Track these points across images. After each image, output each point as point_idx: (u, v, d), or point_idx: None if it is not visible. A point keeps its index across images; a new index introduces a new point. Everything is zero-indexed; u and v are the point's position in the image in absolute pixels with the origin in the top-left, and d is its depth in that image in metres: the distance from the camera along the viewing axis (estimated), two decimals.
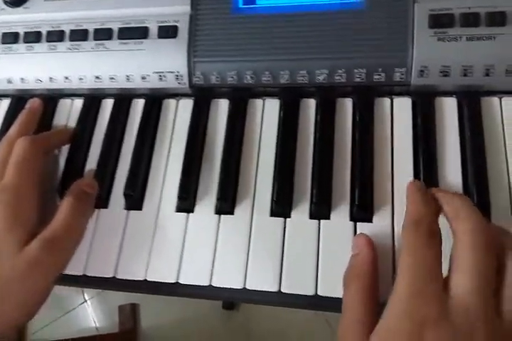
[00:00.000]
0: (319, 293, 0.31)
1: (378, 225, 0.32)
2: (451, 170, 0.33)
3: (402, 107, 0.35)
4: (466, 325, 0.23)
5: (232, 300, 0.34)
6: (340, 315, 0.27)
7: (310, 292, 0.31)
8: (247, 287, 0.32)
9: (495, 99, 0.34)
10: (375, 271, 0.29)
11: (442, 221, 0.28)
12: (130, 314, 1.29)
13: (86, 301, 1.37)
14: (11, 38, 0.41)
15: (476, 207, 0.27)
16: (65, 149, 0.39)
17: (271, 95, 0.38)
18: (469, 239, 0.26)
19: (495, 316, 0.24)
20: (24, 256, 0.30)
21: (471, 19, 0.33)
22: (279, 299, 0.32)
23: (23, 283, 0.30)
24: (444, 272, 0.26)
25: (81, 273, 0.34)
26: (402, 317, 0.24)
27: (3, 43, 0.41)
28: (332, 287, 0.30)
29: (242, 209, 0.34)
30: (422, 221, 0.27)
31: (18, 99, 0.43)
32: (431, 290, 0.25)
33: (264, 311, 1.23)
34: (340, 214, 0.33)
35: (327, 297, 0.30)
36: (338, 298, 0.29)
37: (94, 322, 1.34)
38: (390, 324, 0.25)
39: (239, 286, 0.32)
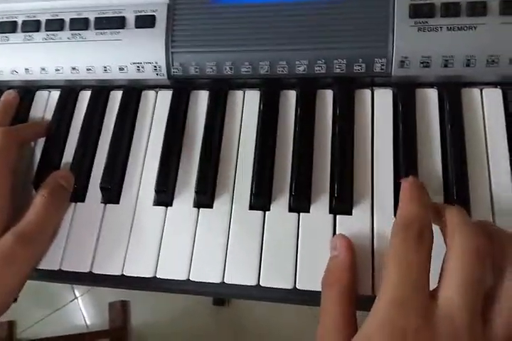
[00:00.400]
0: (298, 286, 0.30)
1: (358, 218, 0.31)
2: (432, 161, 0.32)
3: (383, 99, 0.35)
4: (450, 338, 0.22)
5: (210, 295, 0.34)
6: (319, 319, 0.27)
7: (289, 285, 0.30)
8: (226, 281, 0.31)
9: (476, 90, 0.34)
10: (354, 275, 0.28)
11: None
12: (120, 311, 1.30)
13: (76, 298, 1.37)
14: None
15: (469, 218, 0.26)
16: (40, 142, 0.39)
17: (251, 86, 0.37)
18: (462, 251, 0.24)
19: (481, 331, 0.23)
20: None
21: (451, 9, 0.32)
22: (258, 293, 0.31)
23: None
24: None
25: (57, 268, 0.33)
26: (383, 327, 0.23)
27: None
28: (311, 280, 0.30)
29: (221, 203, 0.34)
30: (413, 223, 0.25)
31: None
32: (415, 300, 0.23)
33: (255, 307, 1.24)
34: (320, 207, 0.32)
35: (306, 290, 0.30)
36: (317, 291, 0.29)
37: (85, 319, 1.35)
38: (370, 333, 0.23)
39: (217, 280, 0.31)
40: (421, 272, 0.24)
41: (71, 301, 1.36)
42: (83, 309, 1.35)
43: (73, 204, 0.35)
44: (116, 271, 0.33)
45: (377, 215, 0.31)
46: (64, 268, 0.33)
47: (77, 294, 1.36)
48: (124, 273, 0.32)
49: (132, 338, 1.28)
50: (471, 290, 0.23)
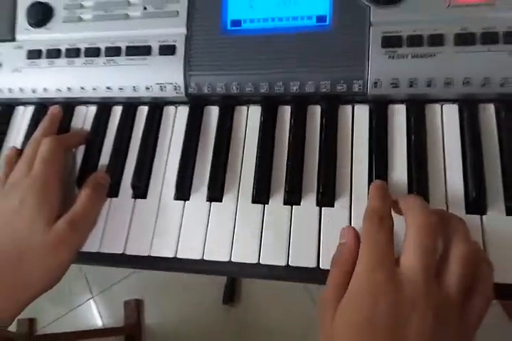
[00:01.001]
0: (290, 263, 0.38)
1: (339, 209, 0.39)
2: (398, 165, 0.39)
3: (361, 113, 0.42)
4: (413, 294, 0.29)
5: (220, 273, 0.41)
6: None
7: (283, 263, 0.38)
8: (233, 260, 0.39)
9: (437, 106, 0.41)
10: (356, 259, 0.33)
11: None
12: (135, 309, 1.34)
13: (93, 297, 1.41)
14: (35, 54, 0.48)
15: (425, 203, 0.33)
16: (81, 149, 0.47)
17: (254, 103, 0.45)
18: (417, 227, 0.31)
19: (436, 287, 0.30)
20: (52, 233, 0.38)
21: (415, 40, 0.39)
22: (256, 269, 0.38)
23: (52, 255, 0.38)
24: None
25: (96, 250, 0.41)
26: (360, 289, 0.30)
27: (28, 58, 0.48)
28: (301, 259, 0.37)
29: (229, 197, 0.41)
30: (375, 212, 0.33)
31: (41, 106, 0.50)
32: (384, 265, 0.30)
33: (264, 306, 1.27)
34: (309, 201, 0.40)
35: (297, 266, 0.37)
36: (305, 267, 0.37)
37: (101, 317, 1.39)
38: (351, 296, 0.31)
39: (226, 259, 0.39)
40: (385, 245, 0.31)
41: (88, 300, 1.41)
42: (99, 307, 1.40)
43: (109, 199, 0.43)
44: (144, 252, 0.40)
45: (354, 207, 0.38)
46: (102, 251, 0.41)
47: (94, 293, 1.41)
48: (151, 254, 0.40)
49: (145, 335, 1.33)
50: (426, 256, 0.30)
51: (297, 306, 1.24)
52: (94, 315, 1.40)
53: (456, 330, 0.30)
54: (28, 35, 0.49)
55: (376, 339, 0.28)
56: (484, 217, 0.37)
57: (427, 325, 0.28)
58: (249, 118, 0.44)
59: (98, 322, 1.39)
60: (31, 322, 1.41)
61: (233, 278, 1.30)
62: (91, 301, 1.41)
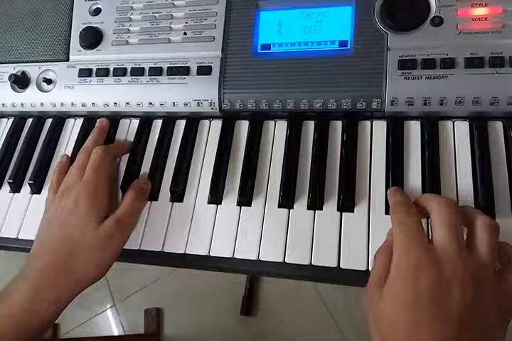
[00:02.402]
0: (313, 263, 0.41)
1: (358, 214, 0.43)
2: (413, 176, 0.43)
3: (379, 128, 0.46)
4: (450, 265, 0.32)
5: (247, 272, 0.45)
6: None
7: (306, 262, 0.41)
8: (260, 258, 0.43)
9: (449, 123, 0.45)
10: None
11: None
12: (155, 317, 1.37)
13: (114, 305, 1.45)
14: (86, 72, 0.54)
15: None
16: (125, 157, 0.52)
17: (281, 118, 0.49)
18: (440, 208, 0.35)
19: (469, 256, 0.33)
20: (102, 230, 0.42)
21: (429, 63, 0.44)
22: (283, 268, 0.42)
23: (100, 250, 0.42)
24: None
25: (137, 248, 0.46)
26: (401, 268, 0.33)
27: (79, 76, 0.54)
28: (323, 259, 0.41)
29: (257, 203, 0.45)
30: (399, 203, 0.38)
31: (89, 119, 0.56)
32: (418, 244, 0.34)
33: (281, 318, 1.28)
34: (331, 206, 0.44)
35: (318, 266, 0.41)
36: (326, 266, 0.40)
37: (121, 324, 1.42)
38: (394, 277, 0.34)
39: (254, 258, 0.43)
40: (416, 227, 0.35)
41: (109, 307, 1.45)
42: (120, 315, 1.43)
43: (149, 202, 0.48)
44: (180, 250, 0.45)
45: (372, 212, 0.42)
46: (142, 248, 0.46)
47: (115, 301, 1.45)
48: (186, 252, 0.44)
49: None
50: (454, 230, 0.34)
51: (314, 317, 1.25)
52: (115, 322, 1.43)
53: (494, 295, 0.32)
54: (80, 56, 0.55)
55: (422, 312, 0.31)
56: None
57: (468, 292, 0.31)
58: (277, 132, 0.49)
59: (119, 329, 1.42)
60: (55, 327, 1.44)
61: (251, 289, 1.33)
62: (112, 309, 1.44)
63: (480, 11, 0.44)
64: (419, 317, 0.31)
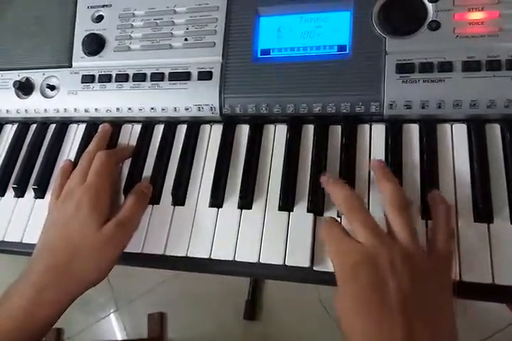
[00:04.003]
0: (314, 265, 0.42)
1: None
2: (412, 178, 0.44)
3: (378, 132, 0.47)
4: (379, 257, 0.34)
5: (250, 275, 0.45)
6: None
7: (307, 264, 0.42)
8: (261, 261, 0.43)
9: (447, 125, 0.45)
10: None
11: None
12: (158, 321, 1.37)
13: (117, 309, 1.45)
14: (89, 78, 0.54)
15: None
16: (127, 162, 0.52)
17: (280, 122, 0.50)
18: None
19: (391, 240, 0.35)
20: (103, 233, 0.43)
21: (426, 67, 0.44)
22: (283, 271, 0.43)
23: (101, 252, 0.43)
24: None
25: (139, 251, 0.46)
26: (340, 273, 0.36)
27: (82, 82, 0.55)
28: (324, 261, 0.42)
29: (257, 206, 0.46)
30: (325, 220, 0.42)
31: (92, 124, 0.56)
32: (345, 247, 0.36)
33: (284, 321, 1.28)
34: (330, 209, 0.44)
35: (318, 270, 0.42)
36: (326, 271, 0.41)
37: (125, 329, 1.42)
38: (338, 281, 0.36)
39: (255, 260, 0.43)
40: (339, 234, 0.38)
41: (113, 312, 1.45)
42: (123, 320, 1.43)
43: (151, 206, 0.49)
44: (182, 253, 0.45)
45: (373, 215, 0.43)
46: (144, 251, 0.46)
47: (119, 305, 1.45)
48: (188, 255, 0.45)
49: None
50: (369, 226, 0.36)
51: (317, 321, 1.25)
52: (119, 327, 1.43)
53: (430, 273, 0.34)
54: (83, 63, 0.56)
55: (368, 311, 0.33)
56: (491, 225, 0.40)
57: (403, 278, 0.33)
58: (277, 136, 0.49)
59: (122, 334, 1.42)
60: (58, 331, 1.45)
61: (254, 293, 1.33)
62: (116, 313, 1.45)
63: (476, 15, 0.44)
64: (367, 314, 0.33)
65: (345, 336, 0.34)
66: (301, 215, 0.44)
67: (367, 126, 0.47)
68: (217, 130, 0.51)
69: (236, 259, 0.44)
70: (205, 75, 0.50)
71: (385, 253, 0.34)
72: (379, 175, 0.41)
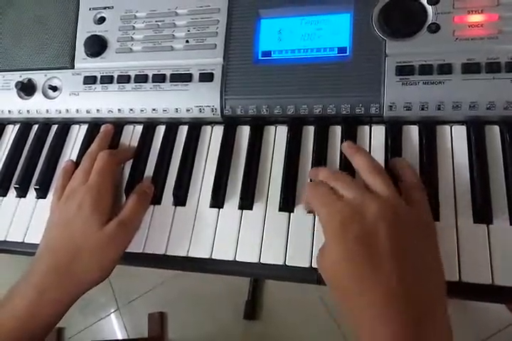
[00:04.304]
0: (314, 266, 0.42)
1: None
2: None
3: (378, 133, 0.47)
4: (365, 210, 0.35)
5: (251, 275, 0.45)
6: None
7: (307, 264, 0.42)
8: (262, 261, 0.43)
9: (447, 127, 0.46)
10: None
11: None
12: (158, 321, 1.38)
13: (118, 309, 1.46)
14: (91, 80, 0.55)
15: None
16: (128, 162, 0.53)
17: (281, 123, 0.50)
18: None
19: (372, 195, 0.37)
20: (105, 232, 0.43)
21: (426, 69, 0.44)
22: (284, 271, 0.43)
23: (103, 252, 0.43)
24: None
25: (141, 251, 0.46)
26: (328, 227, 0.37)
27: (84, 84, 0.55)
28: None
29: (258, 206, 0.46)
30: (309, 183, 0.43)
31: (94, 125, 0.57)
32: (331, 201, 0.38)
33: (284, 322, 1.29)
34: None
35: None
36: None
37: (125, 328, 1.43)
38: (326, 236, 0.37)
39: (255, 260, 0.43)
40: (324, 191, 0.39)
41: (113, 312, 1.46)
42: (124, 319, 1.44)
43: (152, 206, 0.49)
44: (182, 253, 0.45)
45: None
46: (146, 251, 0.47)
47: (119, 305, 1.46)
48: (189, 255, 0.45)
49: None
50: (350, 183, 0.39)
51: (317, 321, 1.26)
52: (119, 326, 1.44)
53: (415, 223, 0.36)
54: (85, 64, 0.56)
55: (359, 262, 0.34)
56: (491, 226, 0.40)
57: (391, 226, 0.34)
58: (277, 137, 0.50)
59: (123, 333, 1.43)
60: (59, 331, 1.45)
61: (254, 293, 1.33)
62: (116, 313, 1.45)
63: (476, 18, 0.45)
64: (358, 267, 0.33)
65: (337, 289, 0.35)
66: (302, 216, 0.45)
67: (367, 127, 0.48)
68: (218, 131, 0.52)
69: (237, 259, 0.44)
70: (207, 77, 0.51)
71: (371, 205, 0.35)
72: (350, 152, 0.43)
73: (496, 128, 0.45)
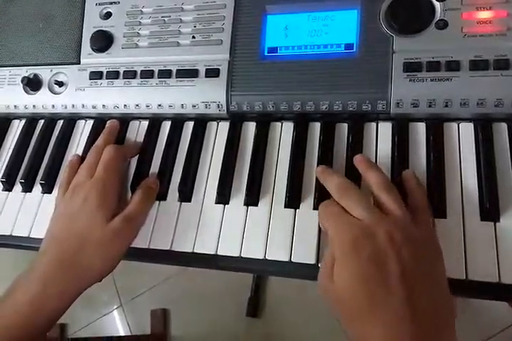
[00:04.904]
0: (319, 262, 0.42)
1: None
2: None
3: (385, 130, 0.47)
4: (378, 230, 0.35)
5: (256, 272, 0.45)
6: None
7: (312, 261, 0.42)
8: (267, 258, 0.43)
9: (454, 124, 0.45)
10: None
11: None
12: (161, 318, 1.38)
13: (121, 305, 1.46)
14: (97, 75, 0.55)
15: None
16: (134, 158, 0.53)
17: (287, 119, 0.50)
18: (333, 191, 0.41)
19: (384, 216, 0.37)
20: (110, 227, 0.43)
21: (434, 65, 0.44)
22: (289, 268, 0.43)
23: (107, 247, 0.43)
24: None
25: (146, 246, 0.47)
26: (340, 246, 0.36)
27: (90, 79, 0.55)
28: None
29: (264, 203, 0.46)
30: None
31: (99, 120, 0.57)
32: (344, 220, 0.38)
33: (286, 319, 1.28)
34: None
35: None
36: None
37: (128, 325, 1.43)
38: (337, 255, 0.36)
39: (260, 257, 0.43)
40: (337, 210, 0.39)
41: (116, 308, 1.46)
42: (127, 316, 1.44)
43: (158, 202, 0.49)
44: (188, 249, 0.45)
45: None
46: (151, 247, 0.47)
47: (122, 301, 1.46)
48: (194, 251, 0.45)
49: None
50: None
51: (320, 318, 1.25)
52: (122, 323, 1.44)
53: (423, 242, 0.36)
54: (91, 59, 0.56)
55: (370, 281, 0.34)
56: (498, 224, 0.40)
57: (402, 248, 0.34)
58: (283, 133, 0.50)
59: (125, 330, 1.43)
60: (62, 327, 1.46)
61: (257, 291, 1.33)
62: (119, 309, 1.46)
63: (485, 14, 0.44)
64: (370, 288, 0.33)
65: (346, 312, 0.35)
66: (307, 212, 0.45)
67: (373, 124, 0.47)
68: (224, 127, 0.52)
69: (242, 255, 0.44)
70: (213, 73, 0.50)
71: (382, 226, 0.35)
72: (363, 167, 0.43)
73: (504, 126, 0.44)
